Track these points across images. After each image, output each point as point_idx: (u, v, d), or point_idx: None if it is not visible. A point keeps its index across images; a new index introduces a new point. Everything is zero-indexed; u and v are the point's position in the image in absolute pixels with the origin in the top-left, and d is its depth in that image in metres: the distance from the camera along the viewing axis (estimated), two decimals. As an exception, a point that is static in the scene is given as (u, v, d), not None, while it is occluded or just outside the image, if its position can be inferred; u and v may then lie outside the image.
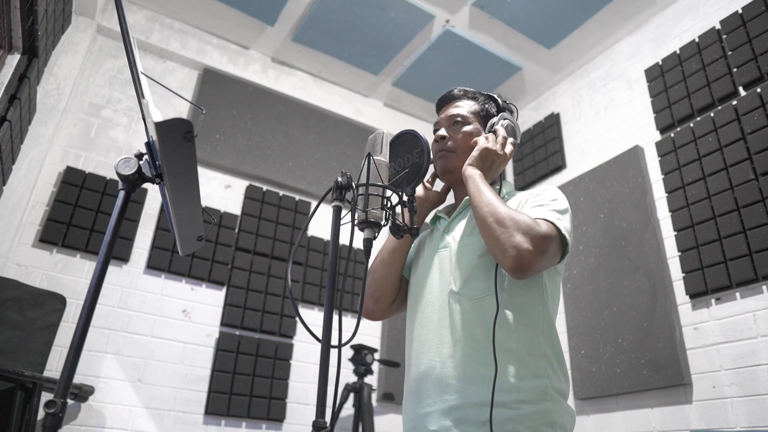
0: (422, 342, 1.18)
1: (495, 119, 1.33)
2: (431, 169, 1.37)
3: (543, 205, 1.17)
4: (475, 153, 1.25)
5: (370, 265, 1.39)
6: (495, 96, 1.39)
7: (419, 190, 1.39)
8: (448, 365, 1.11)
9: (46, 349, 2.26)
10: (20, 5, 2.07)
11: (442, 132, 1.35)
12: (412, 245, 1.42)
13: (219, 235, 2.99)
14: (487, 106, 1.37)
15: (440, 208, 1.42)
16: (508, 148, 1.28)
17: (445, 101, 1.43)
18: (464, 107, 1.37)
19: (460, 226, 1.27)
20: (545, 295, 1.18)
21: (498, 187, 1.29)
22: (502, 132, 1.29)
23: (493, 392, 1.02)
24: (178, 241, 1.02)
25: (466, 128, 1.33)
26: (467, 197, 1.27)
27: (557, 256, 1.12)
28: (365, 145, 1.16)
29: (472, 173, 1.22)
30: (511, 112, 1.37)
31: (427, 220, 1.43)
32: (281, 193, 3.31)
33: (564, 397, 1.11)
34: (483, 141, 1.26)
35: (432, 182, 1.42)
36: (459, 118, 1.34)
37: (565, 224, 1.13)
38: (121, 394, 2.51)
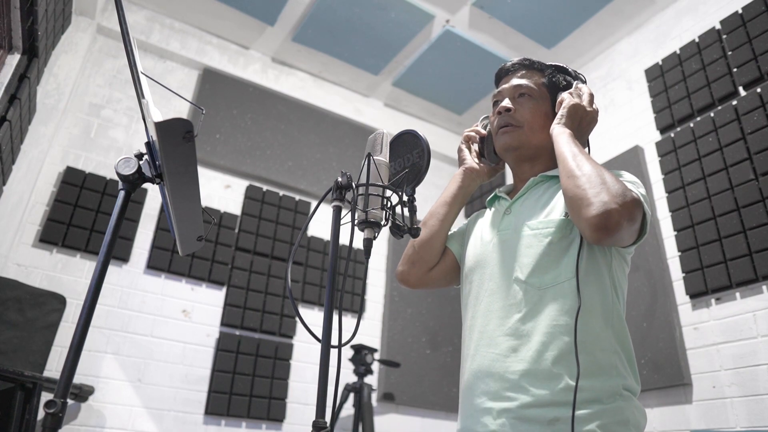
0: (482, 333, 1.09)
1: (574, 84, 1.22)
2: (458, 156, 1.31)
3: (626, 182, 1.07)
4: (563, 110, 1.14)
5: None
6: (565, 67, 1.27)
7: (469, 161, 1.31)
8: (511, 360, 1.02)
9: (46, 349, 2.26)
10: (20, 5, 2.07)
11: (507, 103, 1.22)
12: (466, 223, 1.35)
13: (219, 235, 2.99)
14: (554, 79, 1.24)
15: (501, 189, 1.31)
16: (595, 106, 1.19)
17: (507, 71, 1.28)
18: (531, 78, 1.24)
19: (524, 208, 1.17)
20: (615, 287, 1.09)
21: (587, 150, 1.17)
22: (587, 89, 1.20)
23: (575, 392, 0.94)
24: (178, 241, 1.02)
25: (534, 102, 1.21)
26: (532, 178, 1.19)
27: (635, 234, 1.03)
28: (365, 145, 1.16)
29: (562, 130, 1.11)
30: (584, 82, 1.26)
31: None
32: (281, 193, 3.30)
33: (635, 394, 1.03)
34: (569, 97, 1.16)
35: (480, 156, 1.33)
36: (526, 90, 1.22)
37: (646, 205, 1.04)
38: (121, 394, 2.51)
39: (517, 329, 1.04)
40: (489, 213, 1.28)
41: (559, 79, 1.24)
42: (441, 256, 1.32)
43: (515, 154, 1.23)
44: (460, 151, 1.37)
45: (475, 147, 1.36)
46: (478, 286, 1.16)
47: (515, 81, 1.24)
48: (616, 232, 0.95)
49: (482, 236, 1.22)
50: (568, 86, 1.23)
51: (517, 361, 1.02)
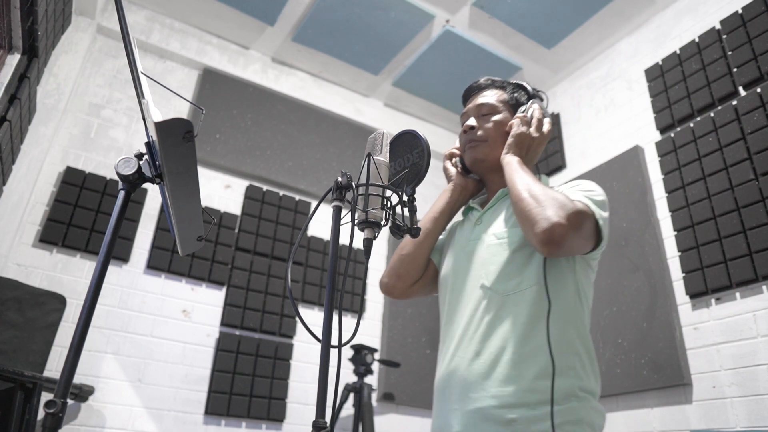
0: (452, 339, 1.15)
1: (525, 106, 1.30)
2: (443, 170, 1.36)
3: (579, 191, 1.15)
4: (510, 140, 1.23)
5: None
6: (524, 84, 1.36)
7: (457, 178, 1.36)
8: (475, 363, 1.08)
9: (46, 349, 2.26)
10: (20, 5, 2.07)
11: (471, 122, 1.32)
12: (444, 231, 1.39)
13: (219, 235, 2.99)
14: (515, 94, 1.34)
15: (475, 199, 1.39)
16: (546, 128, 1.25)
17: (472, 91, 1.39)
18: (492, 96, 1.34)
19: (492, 219, 1.24)
20: (579, 293, 1.15)
21: (537, 174, 1.25)
22: (537, 114, 1.26)
23: (552, 389, 0.99)
24: (178, 241, 1.02)
25: (496, 117, 1.30)
26: (501, 189, 1.26)
27: (591, 241, 1.09)
28: (365, 145, 1.16)
29: (510, 160, 1.20)
30: (541, 100, 1.34)
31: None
32: (281, 193, 3.30)
33: (593, 395, 1.08)
34: (517, 126, 1.23)
35: (466, 171, 1.39)
36: (488, 108, 1.32)
37: (600, 212, 1.11)
38: (121, 394, 2.51)
39: (482, 334, 1.10)
40: (462, 223, 1.34)
41: (518, 96, 1.33)
42: (426, 268, 1.35)
43: (482, 167, 1.32)
44: (445, 169, 1.43)
45: (457, 162, 1.41)
46: (451, 293, 1.22)
47: (479, 100, 1.34)
48: (563, 244, 1.02)
49: (456, 246, 1.28)
50: (527, 101, 1.32)
51: (479, 364, 1.07)
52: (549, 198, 1.05)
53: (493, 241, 1.18)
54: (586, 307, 1.16)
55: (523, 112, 1.28)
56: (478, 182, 1.38)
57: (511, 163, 1.19)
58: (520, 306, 1.09)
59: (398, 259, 1.33)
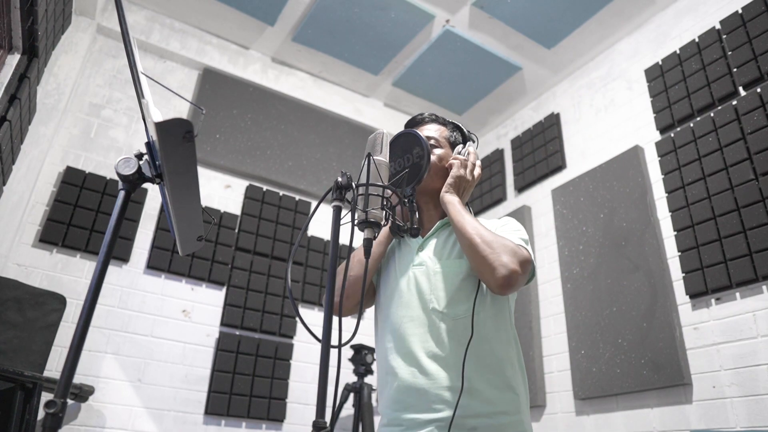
0: (406, 354, 1.22)
1: (463, 147, 1.39)
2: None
3: (514, 236, 1.27)
4: (450, 180, 1.31)
5: (345, 263, 1.40)
6: (461, 126, 1.46)
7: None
8: (437, 378, 1.17)
9: (46, 349, 2.25)
10: (20, 5, 2.07)
11: None
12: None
13: (219, 235, 2.99)
14: (454, 133, 1.44)
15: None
16: (477, 172, 1.36)
17: (416, 123, 1.48)
18: (435, 131, 1.42)
19: (435, 246, 1.32)
20: (510, 314, 1.29)
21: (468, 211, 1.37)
22: (473, 158, 1.36)
23: (456, 405, 1.11)
24: (178, 241, 1.02)
25: (438, 151, 1.38)
26: (440, 220, 1.35)
27: (527, 278, 1.23)
28: (365, 145, 1.16)
29: (452, 199, 1.29)
30: (473, 142, 1.44)
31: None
32: (281, 193, 3.30)
33: (528, 408, 1.23)
34: (457, 168, 1.33)
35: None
36: (432, 141, 1.39)
37: (531, 251, 1.26)
38: (121, 394, 2.51)
39: (437, 353, 1.19)
40: (400, 245, 1.39)
41: (456, 135, 1.44)
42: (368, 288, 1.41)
43: (421, 197, 1.38)
44: None
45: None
46: (395, 313, 1.29)
47: (424, 133, 1.41)
48: (516, 286, 1.18)
49: (396, 269, 1.35)
50: (464, 141, 1.44)
51: (440, 379, 1.16)
52: (500, 245, 1.17)
53: (441, 269, 1.27)
54: (514, 326, 1.31)
55: (461, 152, 1.37)
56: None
57: (453, 203, 1.28)
58: (469, 329, 1.19)
59: (349, 281, 1.37)
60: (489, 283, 1.18)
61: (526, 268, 1.19)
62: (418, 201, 1.40)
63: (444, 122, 1.46)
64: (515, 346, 1.26)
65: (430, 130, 1.42)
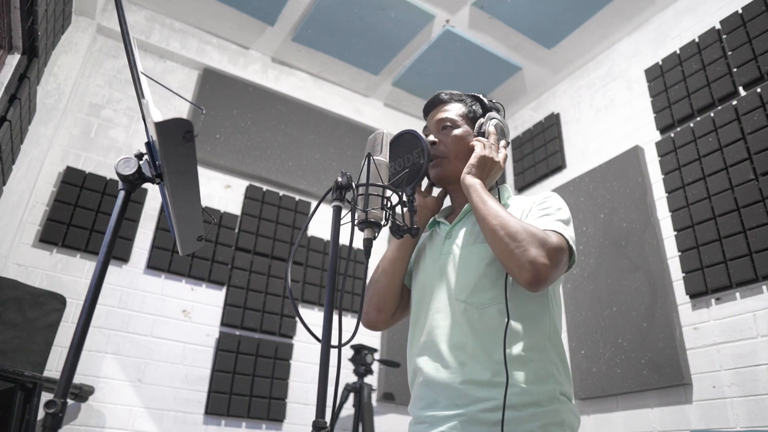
0: (431, 348, 1.18)
1: (483, 120, 1.32)
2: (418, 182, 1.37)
3: (549, 215, 1.17)
4: (473, 161, 1.24)
5: (370, 275, 1.36)
6: (480, 96, 1.38)
7: (418, 198, 1.36)
8: (459, 372, 1.12)
9: (46, 349, 2.26)
10: (20, 5, 2.07)
11: (432, 138, 1.34)
12: (413, 252, 1.41)
13: (219, 235, 2.99)
14: (474, 107, 1.37)
15: (439, 213, 1.40)
16: (501, 153, 1.28)
17: (431, 106, 1.42)
18: (452, 111, 1.36)
19: (462, 233, 1.26)
20: (550, 303, 1.19)
21: (496, 194, 1.28)
22: (493, 137, 1.29)
23: (504, 399, 1.04)
24: (178, 241, 1.02)
25: (456, 132, 1.32)
26: (468, 204, 1.27)
27: (566, 266, 1.14)
28: (365, 145, 1.16)
29: (473, 182, 1.21)
30: (498, 111, 1.37)
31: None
32: (281, 193, 3.30)
33: (570, 399, 1.14)
34: (479, 148, 1.25)
35: (429, 189, 1.41)
36: (448, 123, 1.34)
37: (571, 234, 1.15)
38: (121, 394, 2.51)
39: (463, 345, 1.14)
40: (431, 237, 1.35)
41: (476, 108, 1.36)
42: (402, 295, 1.35)
43: (446, 183, 1.34)
44: None
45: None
46: (424, 305, 1.24)
47: (439, 115, 1.36)
48: (548, 282, 1.07)
49: (426, 260, 1.30)
50: (485, 113, 1.34)
51: (464, 373, 1.11)
52: (527, 236, 1.07)
53: (466, 256, 1.21)
54: (557, 317, 1.21)
55: (481, 127, 1.30)
56: (438, 199, 1.40)
57: (474, 186, 1.20)
58: (496, 319, 1.13)
59: (374, 292, 1.33)
60: (517, 281, 1.09)
61: (558, 258, 1.08)
62: (448, 189, 1.35)
63: (460, 98, 1.38)
64: (552, 333, 1.16)
65: (446, 112, 1.35)
